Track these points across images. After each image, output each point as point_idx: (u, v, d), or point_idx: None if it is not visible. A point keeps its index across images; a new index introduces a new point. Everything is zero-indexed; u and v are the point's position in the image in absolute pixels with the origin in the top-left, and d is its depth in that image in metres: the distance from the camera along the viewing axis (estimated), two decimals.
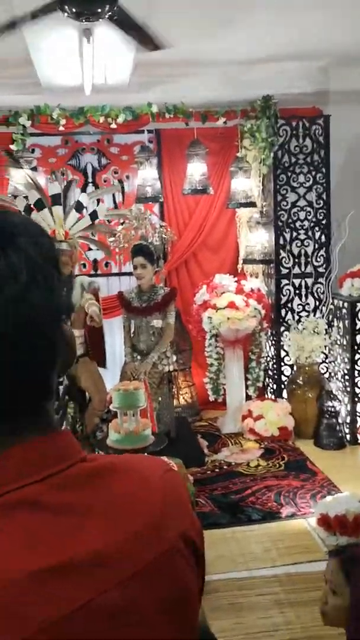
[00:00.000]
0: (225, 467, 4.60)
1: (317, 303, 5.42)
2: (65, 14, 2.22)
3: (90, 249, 5.47)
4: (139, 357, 4.58)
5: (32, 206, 4.48)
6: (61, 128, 5.09)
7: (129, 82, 4.72)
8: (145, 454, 3.17)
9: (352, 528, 3.33)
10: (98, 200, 4.93)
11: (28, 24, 2.43)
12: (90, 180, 5.60)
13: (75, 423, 4.45)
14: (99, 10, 2.18)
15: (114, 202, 5.62)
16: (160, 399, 4.64)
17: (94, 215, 4.47)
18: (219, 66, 4.82)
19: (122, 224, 5.26)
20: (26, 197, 4.55)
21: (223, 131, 5.49)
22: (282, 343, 5.40)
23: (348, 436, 5.01)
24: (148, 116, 5.17)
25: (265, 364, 5.56)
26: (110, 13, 2.25)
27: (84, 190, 5.41)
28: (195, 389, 5.64)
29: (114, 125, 5.14)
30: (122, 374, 4.64)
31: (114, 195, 5.61)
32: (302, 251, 5.40)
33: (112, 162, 5.62)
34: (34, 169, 5.34)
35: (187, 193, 5.40)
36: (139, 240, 4.71)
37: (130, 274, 5.26)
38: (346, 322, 5.00)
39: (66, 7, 2.16)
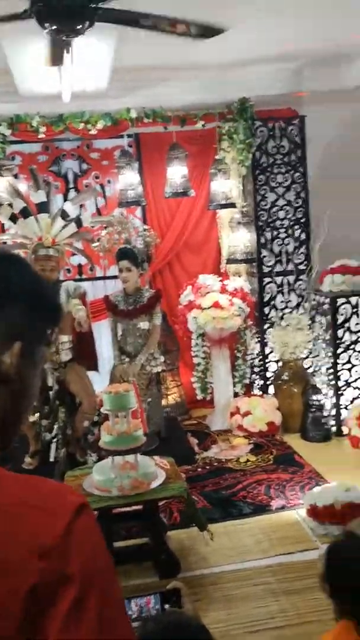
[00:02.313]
0: (215, 463, 4.69)
1: (300, 300, 5.54)
2: (45, 31, 2.29)
3: (74, 254, 5.53)
4: (127, 360, 4.65)
5: (17, 214, 4.53)
6: (41, 136, 5.14)
7: (108, 88, 4.79)
8: (139, 454, 3.25)
9: (339, 517, 3.44)
10: (80, 207, 4.98)
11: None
12: (71, 186, 5.65)
13: (65, 427, 4.51)
14: (79, 27, 2.25)
15: (97, 207, 5.68)
16: (149, 399, 4.72)
17: (79, 222, 4.53)
18: (196, 70, 4.91)
19: (105, 228, 5.33)
20: (10, 205, 4.60)
21: (202, 134, 5.58)
22: (266, 340, 5.51)
23: (333, 428, 5.13)
24: (127, 121, 5.24)
25: (251, 361, 5.66)
26: (89, 29, 2.32)
27: (65, 195, 5.47)
28: (183, 389, 5.73)
29: (93, 132, 5.20)
30: (111, 377, 4.71)
31: (96, 201, 5.67)
32: (283, 249, 5.52)
33: (93, 168, 5.67)
34: (15, 176, 5.38)
35: (168, 196, 5.48)
36: (123, 244, 4.78)
37: (115, 277, 5.33)
38: (328, 317, 5.12)
39: (46, 24, 2.23)
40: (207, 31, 2.83)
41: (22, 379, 0.87)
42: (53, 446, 4.44)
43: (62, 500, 0.78)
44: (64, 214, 4.57)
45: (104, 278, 5.78)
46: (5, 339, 0.86)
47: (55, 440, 4.45)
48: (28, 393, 0.90)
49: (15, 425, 0.90)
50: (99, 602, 0.74)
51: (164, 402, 5.27)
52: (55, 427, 4.45)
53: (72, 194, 5.55)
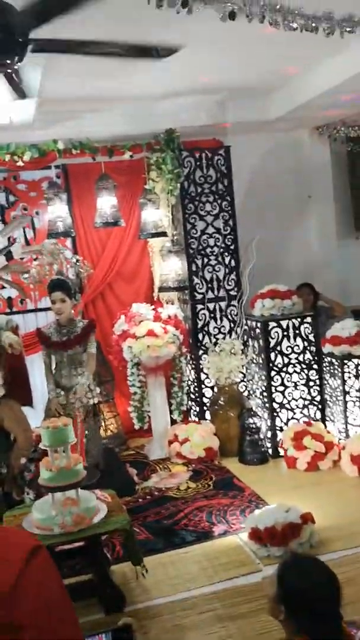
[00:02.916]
0: (156, 493, 4.66)
1: (232, 325, 5.65)
2: None
3: (3, 287, 5.42)
4: (62, 393, 4.57)
5: None
6: None
7: (34, 119, 4.79)
8: (80, 489, 3.18)
9: (281, 538, 3.49)
10: (9, 239, 4.91)
11: None
12: None
13: (0, 465, 4.36)
14: (8, 61, 2.26)
15: (25, 238, 5.60)
16: (87, 432, 4.64)
17: (8, 255, 4.46)
18: (123, 102, 4.99)
19: (35, 259, 5.26)
20: None
21: (130, 164, 5.65)
22: (201, 366, 5.57)
23: (270, 450, 5.22)
24: (55, 152, 5.24)
25: (187, 387, 5.70)
26: (19, 63, 2.33)
27: None
28: (120, 419, 5.68)
29: (20, 163, 5.16)
30: (47, 411, 4.60)
31: (25, 232, 5.59)
32: (214, 276, 5.63)
33: (21, 199, 5.61)
34: None
35: (98, 226, 5.50)
36: (55, 275, 4.73)
37: (46, 309, 5.26)
38: (260, 341, 5.24)
39: None
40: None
41: None
42: None
43: (11, 547, 0.75)
44: None
45: (36, 310, 5.69)
46: None
47: None
48: None
49: None
50: None
51: (101, 433, 5.20)
52: None
53: (0, 226, 5.46)
